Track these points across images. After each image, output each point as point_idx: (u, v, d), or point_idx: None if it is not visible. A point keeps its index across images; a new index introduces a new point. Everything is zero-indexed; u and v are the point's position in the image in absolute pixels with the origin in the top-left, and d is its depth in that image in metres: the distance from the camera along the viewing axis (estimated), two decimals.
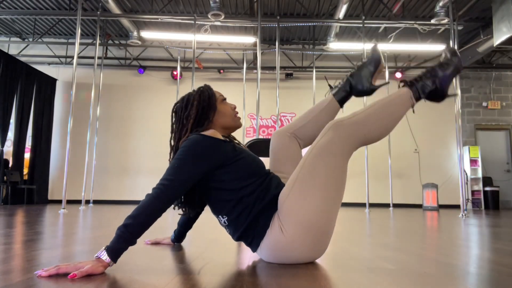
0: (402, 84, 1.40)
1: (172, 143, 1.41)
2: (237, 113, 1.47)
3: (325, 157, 1.23)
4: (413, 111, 1.41)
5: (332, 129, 1.25)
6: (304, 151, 1.52)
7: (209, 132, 1.29)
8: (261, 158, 1.48)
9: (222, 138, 1.31)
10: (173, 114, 1.44)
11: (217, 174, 1.28)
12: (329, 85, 1.60)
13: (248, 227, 1.27)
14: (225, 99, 1.47)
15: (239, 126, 1.47)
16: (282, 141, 1.51)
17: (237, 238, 1.32)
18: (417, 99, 1.36)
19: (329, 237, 1.29)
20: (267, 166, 1.45)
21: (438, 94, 1.39)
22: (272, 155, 1.54)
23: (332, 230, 1.29)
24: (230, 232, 1.35)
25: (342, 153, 1.25)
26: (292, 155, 1.49)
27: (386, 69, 9.22)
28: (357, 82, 1.52)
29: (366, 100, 6.97)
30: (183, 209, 1.46)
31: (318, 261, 1.35)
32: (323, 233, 1.24)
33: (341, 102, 1.55)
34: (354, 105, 1.67)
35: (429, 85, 1.36)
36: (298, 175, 1.25)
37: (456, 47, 6.19)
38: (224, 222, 1.33)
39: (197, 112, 1.38)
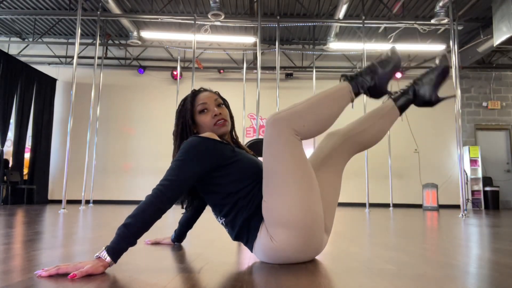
0: (343, 78, 1.38)
1: (174, 146, 1.46)
2: (219, 120, 1.41)
3: (275, 153, 1.22)
4: (352, 106, 1.40)
5: (271, 125, 1.23)
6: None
7: (206, 134, 1.31)
8: (261, 159, 1.48)
9: (219, 139, 1.32)
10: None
11: (215, 177, 1.30)
12: (389, 92, 1.46)
13: (242, 227, 1.29)
14: (203, 110, 1.42)
15: (222, 133, 1.42)
16: (334, 141, 1.43)
17: (234, 238, 1.35)
18: (356, 94, 1.35)
19: (319, 231, 1.26)
20: None
21: (377, 91, 1.39)
22: (320, 152, 1.45)
23: (320, 224, 1.26)
24: (229, 232, 1.37)
25: (288, 145, 1.22)
26: (333, 156, 1.42)
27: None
28: (423, 90, 1.45)
29: (365, 97, 6.98)
30: (188, 205, 1.50)
31: (318, 260, 1.35)
32: (309, 228, 1.22)
33: (402, 109, 1.47)
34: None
35: (368, 81, 1.36)
36: (264, 180, 1.25)
37: (456, 47, 6.18)
38: (222, 222, 1.36)
39: (177, 127, 1.44)
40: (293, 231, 1.21)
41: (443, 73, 1.47)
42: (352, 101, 1.35)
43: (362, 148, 1.46)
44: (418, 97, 1.47)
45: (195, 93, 1.47)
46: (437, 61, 1.67)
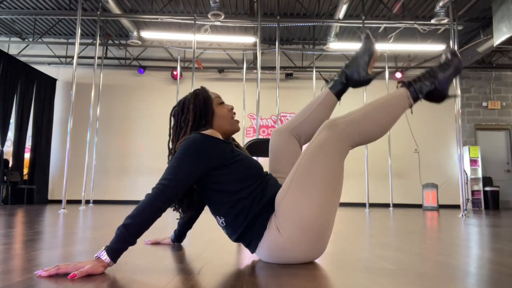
0: (400, 84, 1.37)
1: (170, 146, 1.42)
2: (235, 114, 1.46)
3: (320, 156, 1.23)
4: (411, 112, 1.39)
5: (326, 128, 1.24)
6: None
7: (208, 132, 1.30)
8: (261, 159, 1.48)
9: (221, 137, 1.32)
10: (171, 117, 1.46)
11: (215, 176, 1.28)
12: (325, 79, 1.56)
13: (246, 229, 1.28)
14: (222, 102, 1.46)
15: (236, 130, 1.45)
16: (281, 140, 1.49)
17: (236, 239, 1.33)
18: (415, 99, 1.34)
19: (328, 237, 1.28)
20: (267, 167, 1.45)
21: (436, 95, 1.37)
22: (271, 154, 1.52)
23: (331, 230, 1.28)
24: (228, 233, 1.35)
25: (338, 153, 1.23)
26: (290, 154, 1.47)
27: (386, 69, 9.21)
28: (352, 72, 1.48)
29: (365, 97, 6.98)
30: (180, 210, 1.47)
31: (318, 261, 1.35)
32: (321, 233, 1.24)
33: (338, 94, 1.52)
34: (352, 100, 1.66)
35: (428, 86, 1.34)
36: (294, 175, 1.24)
37: (456, 47, 6.18)
38: (222, 223, 1.34)
39: (195, 116, 1.39)
40: (305, 230, 1.21)
41: (370, 52, 1.49)
42: (411, 107, 1.33)
43: (308, 138, 1.50)
44: (351, 80, 1.50)
45: (204, 88, 1.47)
46: (362, 43, 1.64)
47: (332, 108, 1.52)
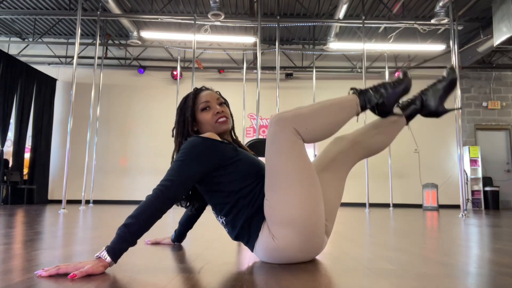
0: (352, 91, 1.39)
1: (175, 144, 1.46)
2: (220, 117, 1.41)
3: (277, 151, 1.23)
4: (357, 120, 1.42)
5: (274, 124, 1.24)
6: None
7: (207, 134, 1.31)
8: (261, 158, 1.48)
9: (220, 139, 1.32)
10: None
11: (216, 176, 1.30)
12: (393, 113, 1.48)
13: (243, 227, 1.29)
14: (206, 108, 1.42)
15: (223, 131, 1.43)
16: (341, 147, 1.44)
17: (235, 238, 1.35)
18: (363, 108, 1.35)
19: (320, 232, 1.27)
20: None
21: (383, 109, 1.40)
22: (325, 156, 1.46)
23: (321, 224, 1.27)
24: (229, 232, 1.37)
25: (290, 144, 1.23)
26: (342, 162, 1.44)
27: (386, 69, 9.22)
28: (430, 100, 1.48)
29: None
30: (188, 204, 1.50)
31: (318, 261, 1.35)
32: (311, 228, 1.23)
33: (408, 118, 1.50)
34: None
35: (376, 98, 1.37)
36: (266, 179, 1.26)
37: (456, 47, 6.18)
38: (223, 222, 1.36)
39: (179, 125, 1.43)
40: (295, 230, 1.21)
41: (451, 85, 1.49)
42: (358, 114, 1.35)
43: (368, 154, 1.49)
44: (425, 107, 1.49)
45: (197, 91, 1.47)
46: (444, 73, 1.66)
47: (399, 131, 1.52)
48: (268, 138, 1.25)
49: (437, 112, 1.49)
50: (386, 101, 1.38)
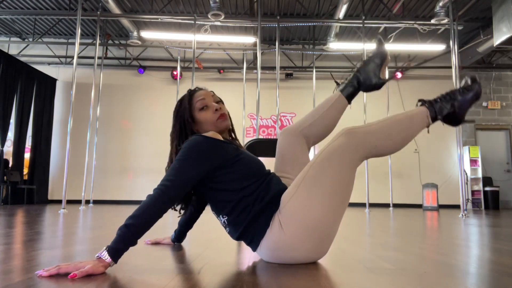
0: (420, 103, 1.38)
1: (171, 148, 1.44)
2: (221, 114, 1.41)
3: (334, 161, 1.23)
4: (428, 131, 1.40)
5: (344, 135, 1.24)
6: (311, 152, 1.51)
7: (209, 134, 1.30)
8: (261, 158, 1.48)
9: (222, 139, 1.32)
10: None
11: (218, 175, 1.29)
12: (336, 82, 1.55)
13: (248, 226, 1.28)
14: (204, 106, 1.41)
15: (225, 128, 1.43)
16: (290, 140, 1.49)
17: (237, 238, 1.33)
18: (433, 119, 1.35)
19: (331, 240, 1.29)
20: (267, 166, 1.45)
21: (455, 118, 1.38)
22: (278, 153, 1.52)
23: (334, 234, 1.29)
24: (230, 232, 1.35)
25: (351, 160, 1.24)
26: (297, 155, 1.47)
27: (386, 69, 9.21)
28: (365, 76, 1.49)
29: (365, 99, 6.97)
30: (181, 208, 1.48)
31: (318, 261, 1.35)
32: (325, 236, 1.25)
33: (349, 98, 1.52)
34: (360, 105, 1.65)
35: (447, 108, 1.35)
36: (305, 176, 1.24)
37: (456, 47, 6.18)
38: (224, 222, 1.34)
39: (176, 128, 1.42)
40: (309, 232, 1.21)
41: (382, 57, 1.51)
42: (428, 126, 1.35)
43: (317, 140, 1.51)
44: (363, 84, 1.50)
45: (191, 92, 1.46)
46: (375, 47, 1.58)
47: (342, 111, 1.52)
48: (332, 145, 1.25)
49: (376, 85, 1.50)
50: (458, 110, 1.36)
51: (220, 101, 1.47)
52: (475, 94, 1.39)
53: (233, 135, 1.52)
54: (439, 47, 8.54)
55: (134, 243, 1.12)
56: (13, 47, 9.67)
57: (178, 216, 1.61)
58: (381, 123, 1.28)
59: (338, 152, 1.23)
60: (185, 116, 1.41)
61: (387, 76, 1.51)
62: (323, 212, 1.21)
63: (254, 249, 1.32)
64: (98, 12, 7.45)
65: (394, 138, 1.27)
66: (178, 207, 1.47)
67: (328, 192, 1.22)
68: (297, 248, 1.23)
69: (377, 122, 1.29)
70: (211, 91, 1.50)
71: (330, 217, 1.23)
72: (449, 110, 1.35)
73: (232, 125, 1.50)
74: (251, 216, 1.27)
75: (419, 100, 1.39)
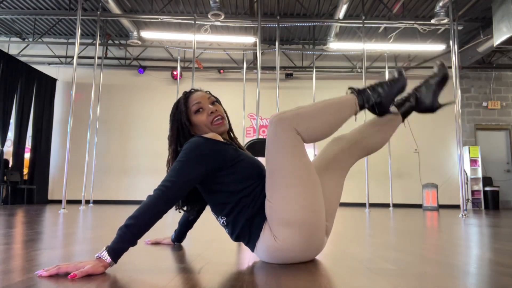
0: (350, 90, 1.40)
1: (169, 151, 1.44)
2: (216, 116, 1.40)
3: (278, 151, 1.24)
4: (355, 119, 1.43)
5: (274, 123, 1.24)
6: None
7: (210, 135, 1.31)
8: (261, 159, 1.47)
9: (222, 140, 1.32)
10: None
11: (218, 176, 1.30)
12: (390, 112, 1.47)
13: (244, 227, 1.29)
14: (199, 109, 1.41)
15: (221, 132, 1.42)
16: (340, 147, 1.45)
17: (235, 238, 1.34)
18: (361, 107, 1.37)
19: (321, 231, 1.28)
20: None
21: (380, 108, 1.41)
22: (324, 157, 1.46)
23: (322, 223, 1.28)
24: (229, 232, 1.36)
25: (291, 142, 1.24)
26: (341, 163, 1.45)
27: (386, 69, 9.22)
28: (423, 97, 1.49)
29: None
30: (186, 208, 1.48)
31: (318, 261, 1.35)
32: (312, 227, 1.24)
33: (404, 115, 1.51)
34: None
35: (374, 98, 1.38)
36: (267, 179, 1.27)
37: (456, 47, 6.18)
38: (223, 222, 1.35)
39: (173, 131, 1.42)
40: (296, 230, 1.22)
41: (443, 81, 1.51)
42: (356, 114, 1.36)
43: (366, 153, 1.50)
44: (420, 104, 1.50)
45: (187, 95, 1.46)
46: (435, 69, 1.63)
47: (396, 128, 1.52)
48: (269, 138, 1.26)
49: (432, 108, 1.50)
50: (384, 100, 1.39)
51: (216, 101, 1.47)
52: (401, 87, 1.42)
53: (232, 135, 1.52)
54: (439, 47, 8.53)
55: (134, 243, 1.12)
56: (13, 47, 9.67)
57: (180, 211, 1.60)
58: (311, 106, 1.30)
59: (276, 142, 1.24)
60: (182, 120, 1.41)
61: (447, 100, 1.51)
62: (298, 204, 1.22)
63: (252, 250, 1.33)
64: (98, 12, 7.45)
65: (323, 122, 1.28)
66: (184, 208, 1.48)
67: (291, 184, 1.22)
68: (290, 248, 1.24)
69: (307, 105, 1.30)
70: (207, 92, 1.49)
71: (308, 207, 1.23)
72: (375, 100, 1.38)
73: (230, 125, 1.50)
74: (247, 217, 1.28)
75: (349, 88, 1.41)
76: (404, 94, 1.51)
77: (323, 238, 1.30)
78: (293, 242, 1.23)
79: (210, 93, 1.49)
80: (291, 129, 1.23)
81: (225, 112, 1.48)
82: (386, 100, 1.40)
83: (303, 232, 1.22)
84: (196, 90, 1.48)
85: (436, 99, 1.49)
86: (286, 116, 1.24)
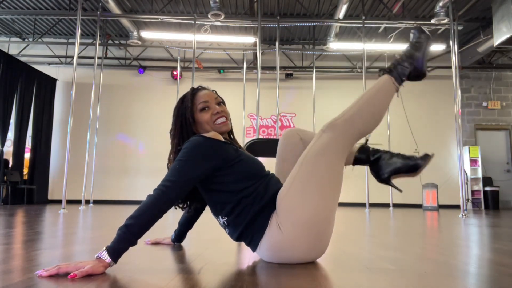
0: (381, 72, 1.39)
1: (171, 146, 1.43)
2: (220, 117, 1.40)
3: (323, 158, 1.25)
4: (398, 95, 1.41)
5: (327, 131, 1.26)
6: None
7: (210, 134, 1.30)
8: (261, 159, 1.47)
9: (223, 139, 1.32)
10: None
11: (218, 176, 1.29)
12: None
13: (247, 226, 1.28)
14: (205, 108, 1.40)
15: (224, 131, 1.42)
16: (292, 141, 1.45)
17: (236, 238, 1.33)
18: (400, 83, 1.36)
19: (328, 237, 1.29)
20: (267, 166, 1.45)
21: (417, 74, 1.40)
22: (279, 156, 1.49)
23: (331, 230, 1.29)
24: (229, 232, 1.36)
25: (340, 152, 1.27)
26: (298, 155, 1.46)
27: None
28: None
29: None
30: (185, 206, 1.49)
31: (318, 261, 1.35)
32: (322, 232, 1.25)
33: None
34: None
35: (408, 67, 1.37)
36: (297, 173, 1.25)
37: (456, 48, 6.18)
38: (224, 223, 1.34)
39: (177, 126, 1.42)
40: (305, 229, 1.22)
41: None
42: (397, 91, 1.36)
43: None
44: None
45: (194, 91, 1.45)
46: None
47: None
48: (319, 143, 1.26)
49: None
50: (418, 65, 1.38)
51: (222, 102, 1.47)
52: (427, 44, 1.41)
53: (232, 136, 1.52)
54: (439, 47, 8.53)
55: (134, 243, 1.12)
56: (13, 47, 9.66)
57: (183, 209, 1.59)
58: (356, 105, 1.29)
59: (326, 149, 1.25)
60: (186, 115, 1.40)
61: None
62: (317, 207, 1.22)
63: (254, 250, 1.32)
64: (98, 12, 7.45)
65: (372, 115, 1.30)
66: (181, 205, 1.48)
67: (320, 187, 1.23)
68: (295, 248, 1.23)
69: (350, 107, 1.29)
70: (214, 91, 1.49)
71: (325, 212, 1.24)
72: (410, 69, 1.37)
73: (231, 127, 1.50)
74: (250, 217, 1.27)
75: (380, 70, 1.40)
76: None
77: (328, 241, 1.31)
78: (299, 241, 1.22)
79: (217, 93, 1.49)
80: (343, 136, 1.26)
81: (228, 114, 1.48)
82: (419, 64, 1.39)
83: (312, 233, 1.23)
84: (204, 88, 1.48)
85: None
86: (339, 123, 1.26)
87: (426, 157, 1.38)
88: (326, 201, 1.24)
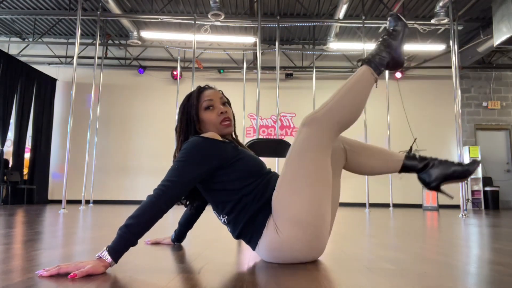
0: (360, 63, 1.38)
1: (176, 142, 1.44)
2: (225, 118, 1.41)
3: (307, 152, 1.25)
4: (376, 86, 1.40)
5: (307, 125, 1.25)
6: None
7: (209, 134, 1.31)
8: (261, 158, 1.47)
9: (221, 139, 1.32)
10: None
11: (218, 175, 1.30)
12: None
13: (246, 225, 1.29)
14: (210, 106, 1.41)
15: (227, 133, 1.43)
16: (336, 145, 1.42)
17: (237, 236, 1.34)
18: (378, 73, 1.36)
19: (325, 234, 1.28)
20: (268, 166, 1.45)
21: (395, 63, 1.40)
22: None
23: (327, 227, 1.28)
24: (230, 231, 1.37)
25: (323, 146, 1.26)
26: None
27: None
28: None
29: None
30: (184, 202, 1.49)
31: (318, 261, 1.35)
32: (318, 230, 1.24)
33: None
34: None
35: (386, 57, 1.37)
36: (284, 173, 1.26)
37: (456, 48, 6.18)
38: (224, 221, 1.35)
39: (182, 123, 1.42)
40: (300, 228, 1.22)
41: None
42: (376, 81, 1.36)
43: (353, 168, 1.47)
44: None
45: (200, 90, 1.46)
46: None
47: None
48: (300, 139, 1.25)
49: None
50: (395, 54, 1.38)
51: (227, 102, 1.47)
52: (403, 32, 1.40)
53: (234, 135, 1.52)
54: (439, 47, 8.53)
55: (134, 243, 1.12)
56: (13, 47, 9.66)
57: (185, 206, 1.59)
58: (335, 97, 1.29)
59: (307, 143, 1.25)
60: (191, 113, 1.41)
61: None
62: (309, 205, 1.22)
63: (253, 248, 1.32)
64: (98, 12, 7.45)
65: (352, 106, 1.28)
66: (184, 201, 1.49)
67: (309, 184, 1.23)
68: (293, 247, 1.23)
69: (330, 98, 1.29)
70: (220, 91, 1.50)
71: (318, 210, 1.23)
72: (388, 58, 1.37)
73: (235, 127, 1.50)
74: (249, 215, 1.28)
75: (358, 61, 1.39)
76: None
77: (326, 241, 1.30)
78: (296, 241, 1.22)
79: (223, 93, 1.50)
80: (324, 129, 1.25)
81: (233, 115, 1.48)
82: (397, 52, 1.38)
83: (308, 232, 1.23)
84: (210, 88, 1.48)
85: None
86: (318, 116, 1.25)
87: (474, 163, 1.38)
88: (317, 197, 1.23)
